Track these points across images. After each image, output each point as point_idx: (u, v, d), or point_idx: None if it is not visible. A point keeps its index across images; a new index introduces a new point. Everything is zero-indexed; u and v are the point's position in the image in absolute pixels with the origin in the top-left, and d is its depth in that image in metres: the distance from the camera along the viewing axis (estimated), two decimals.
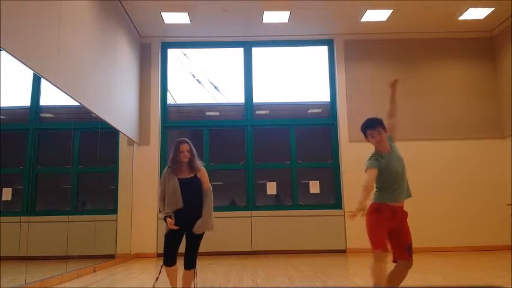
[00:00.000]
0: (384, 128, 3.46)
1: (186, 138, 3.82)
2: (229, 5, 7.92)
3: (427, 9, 8.13)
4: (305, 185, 8.97)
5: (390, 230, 3.39)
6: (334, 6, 8.05)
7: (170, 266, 3.73)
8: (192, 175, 3.77)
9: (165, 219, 3.69)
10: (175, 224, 3.64)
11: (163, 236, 3.76)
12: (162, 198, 3.76)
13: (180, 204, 3.65)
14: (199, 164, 3.83)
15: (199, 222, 3.67)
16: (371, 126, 3.46)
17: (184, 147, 3.75)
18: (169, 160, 3.82)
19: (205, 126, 9.25)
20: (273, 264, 6.84)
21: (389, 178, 3.39)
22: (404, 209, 3.47)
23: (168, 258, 3.72)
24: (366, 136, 3.51)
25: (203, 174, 3.81)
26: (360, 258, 7.50)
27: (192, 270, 3.75)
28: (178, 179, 3.71)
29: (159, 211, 4.18)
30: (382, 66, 9.17)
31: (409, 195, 3.48)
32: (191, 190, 3.71)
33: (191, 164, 3.78)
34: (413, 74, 9.13)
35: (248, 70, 9.34)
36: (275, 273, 5.87)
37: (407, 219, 3.48)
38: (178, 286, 3.81)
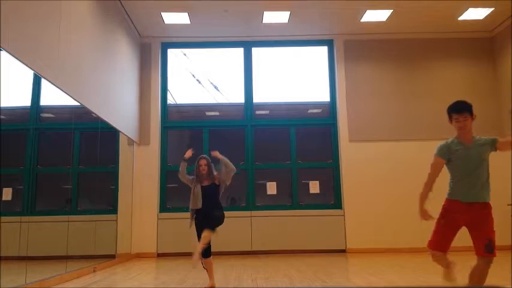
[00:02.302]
0: (471, 114, 3.24)
1: (205, 155, 4.96)
2: (229, 5, 7.93)
3: (427, 9, 8.13)
4: (305, 185, 8.98)
5: (465, 225, 3.26)
6: (334, 6, 8.05)
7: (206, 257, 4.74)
8: (211, 183, 4.85)
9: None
10: (196, 220, 4.79)
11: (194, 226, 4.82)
12: (185, 172, 4.92)
13: (200, 205, 4.73)
14: (215, 173, 4.91)
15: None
16: (457, 110, 3.27)
17: (203, 162, 4.85)
18: (195, 172, 4.92)
19: (205, 126, 9.25)
20: (273, 264, 6.84)
21: (458, 170, 3.27)
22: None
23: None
24: (450, 119, 3.34)
25: (217, 177, 4.89)
26: (360, 258, 7.50)
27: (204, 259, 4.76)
28: (201, 186, 4.81)
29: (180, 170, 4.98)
30: (382, 66, 9.17)
31: (483, 198, 3.26)
32: (209, 195, 4.80)
33: (209, 175, 4.86)
34: (413, 74, 9.14)
35: (248, 70, 9.34)
36: (275, 273, 5.87)
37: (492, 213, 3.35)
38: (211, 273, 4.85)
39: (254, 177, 8.96)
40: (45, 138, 5.63)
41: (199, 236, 4.70)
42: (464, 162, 3.27)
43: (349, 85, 9.08)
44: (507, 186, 8.45)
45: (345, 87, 9.07)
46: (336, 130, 9.07)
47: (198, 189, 4.78)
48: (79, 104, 5.90)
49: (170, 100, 9.39)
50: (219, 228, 4.73)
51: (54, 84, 5.16)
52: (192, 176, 4.93)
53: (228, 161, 4.87)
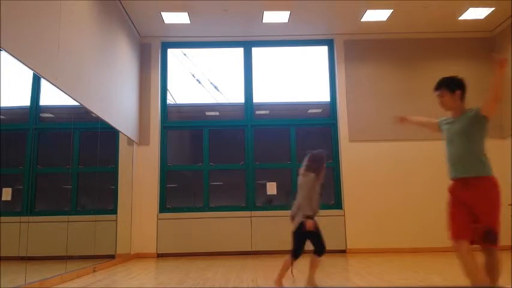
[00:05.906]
0: (449, 90, 3.38)
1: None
2: (229, 5, 7.92)
3: (427, 9, 8.14)
4: None
5: (469, 205, 3.16)
6: (334, 6, 8.05)
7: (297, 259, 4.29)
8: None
9: (307, 218, 4.41)
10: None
11: (293, 233, 4.42)
12: (310, 199, 4.51)
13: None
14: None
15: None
16: (434, 89, 3.42)
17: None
18: (316, 169, 4.46)
19: (205, 126, 9.25)
20: (273, 264, 6.83)
21: (446, 144, 3.32)
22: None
23: (300, 253, 4.33)
24: None
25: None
26: (360, 259, 7.49)
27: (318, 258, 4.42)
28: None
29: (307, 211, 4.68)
30: (382, 66, 9.17)
31: (471, 172, 3.15)
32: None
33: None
34: (413, 74, 9.14)
35: (248, 70, 9.34)
36: (275, 273, 5.84)
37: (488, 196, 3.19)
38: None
39: (254, 177, 8.96)
40: (45, 138, 5.62)
41: (303, 246, 4.36)
42: (447, 135, 3.35)
43: (349, 85, 9.07)
44: (507, 187, 8.45)
45: (345, 87, 9.07)
46: (336, 130, 9.07)
47: (318, 192, 4.46)
48: (79, 104, 5.90)
49: (170, 100, 9.39)
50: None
51: (53, 84, 5.16)
52: (314, 176, 4.47)
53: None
